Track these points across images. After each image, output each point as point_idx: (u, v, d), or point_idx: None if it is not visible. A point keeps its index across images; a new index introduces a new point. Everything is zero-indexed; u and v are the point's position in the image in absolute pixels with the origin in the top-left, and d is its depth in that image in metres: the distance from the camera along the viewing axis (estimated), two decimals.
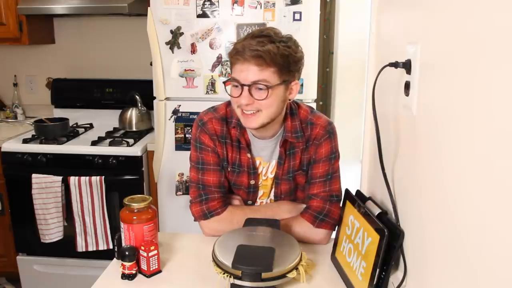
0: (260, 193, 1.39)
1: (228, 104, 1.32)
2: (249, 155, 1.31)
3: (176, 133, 2.25)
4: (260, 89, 1.15)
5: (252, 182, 1.35)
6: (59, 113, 2.82)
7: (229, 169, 1.34)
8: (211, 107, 1.36)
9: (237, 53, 1.15)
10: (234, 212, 1.32)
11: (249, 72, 1.14)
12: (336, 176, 1.31)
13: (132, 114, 2.63)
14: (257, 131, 1.27)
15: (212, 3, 2.09)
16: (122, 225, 1.18)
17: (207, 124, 1.30)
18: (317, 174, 1.29)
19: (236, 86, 1.18)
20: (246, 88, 1.15)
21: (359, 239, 1.08)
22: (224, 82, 1.22)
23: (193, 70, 2.17)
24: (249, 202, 1.40)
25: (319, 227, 1.28)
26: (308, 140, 1.29)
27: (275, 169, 1.34)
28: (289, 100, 1.24)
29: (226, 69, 2.15)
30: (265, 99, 1.15)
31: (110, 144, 2.40)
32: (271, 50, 1.12)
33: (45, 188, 2.27)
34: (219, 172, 1.32)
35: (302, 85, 2.14)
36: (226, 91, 1.23)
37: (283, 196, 1.37)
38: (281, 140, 1.29)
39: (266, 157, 1.33)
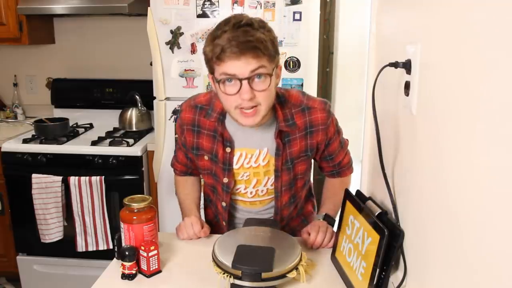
0: (254, 181, 1.34)
1: (212, 95, 1.30)
2: (228, 149, 1.29)
3: (176, 133, 2.24)
4: (260, 77, 1.11)
5: (226, 180, 1.32)
6: (59, 113, 2.82)
7: (206, 158, 1.33)
8: (194, 95, 1.37)
9: (224, 50, 1.07)
10: (177, 184, 1.51)
11: (247, 64, 1.08)
12: (342, 134, 1.42)
13: (132, 114, 2.63)
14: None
15: (212, 3, 2.10)
16: (122, 225, 1.18)
17: (181, 113, 1.35)
18: (335, 148, 1.38)
19: (231, 81, 1.11)
20: (245, 81, 1.09)
21: (359, 239, 1.08)
22: (218, 81, 1.13)
23: (193, 70, 2.17)
24: (223, 204, 1.38)
25: (353, 171, 1.48)
26: (310, 125, 1.28)
27: (268, 157, 1.30)
28: (277, 84, 1.22)
29: None
30: (266, 89, 1.12)
31: (110, 144, 2.40)
32: (262, 38, 1.08)
33: (45, 188, 2.27)
34: (186, 156, 1.44)
35: (302, 85, 2.14)
36: (222, 90, 1.14)
37: (283, 189, 1.34)
38: (276, 132, 1.26)
39: (253, 144, 1.29)
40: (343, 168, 1.44)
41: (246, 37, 1.07)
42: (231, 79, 1.11)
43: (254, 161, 1.31)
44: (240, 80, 1.10)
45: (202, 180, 1.50)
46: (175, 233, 1.35)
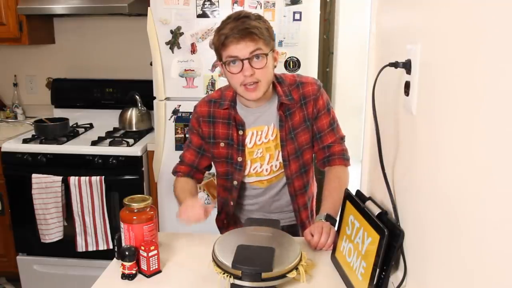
0: (267, 157, 1.48)
1: (222, 89, 1.50)
2: (241, 132, 1.46)
3: (176, 133, 2.25)
4: (258, 58, 1.31)
5: (240, 159, 1.47)
6: (59, 113, 2.82)
7: (222, 145, 1.48)
8: (208, 94, 1.56)
9: (227, 37, 1.29)
10: (177, 183, 1.53)
11: (246, 47, 1.30)
12: (338, 123, 1.52)
13: (132, 114, 2.63)
14: (256, 100, 1.40)
15: (212, 3, 2.10)
16: (122, 225, 1.18)
17: (196, 108, 1.52)
18: (324, 125, 1.48)
19: (235, 63, 1.32)
20: (246, 61, 1.30)
21: (359, 239, 1.08)
22: (224, 63, 1.34)
23: (193, 70, 2.17)
24: (235, 182, 1.50)
25: (348, 165, 1.50)
26: (303, 97, 1.45)
27: (275, 131, 1.46)
28: (275, 66, 1.41)
29: None
30: (264, 67, 1.32)
31: (110, 144, 2.40)
32: (258, 26, 1.31)
33: (45, 188, 2.27)
34: (196, 153, 1.53)
35: None
36: (228, 70, 1.33)
37: (291, 158, 1.47)
38: (278, 104, 1.44)
39: (262, 121, 1.46)
40: (334, 156, 1.49)
41: (244, 25, 1.29)
42: (235, 61, 1.32)
43: (264, 136, 1.48)
44: (242, 60, 1.31)
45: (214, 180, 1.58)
46: (175, 233, 1.35)
